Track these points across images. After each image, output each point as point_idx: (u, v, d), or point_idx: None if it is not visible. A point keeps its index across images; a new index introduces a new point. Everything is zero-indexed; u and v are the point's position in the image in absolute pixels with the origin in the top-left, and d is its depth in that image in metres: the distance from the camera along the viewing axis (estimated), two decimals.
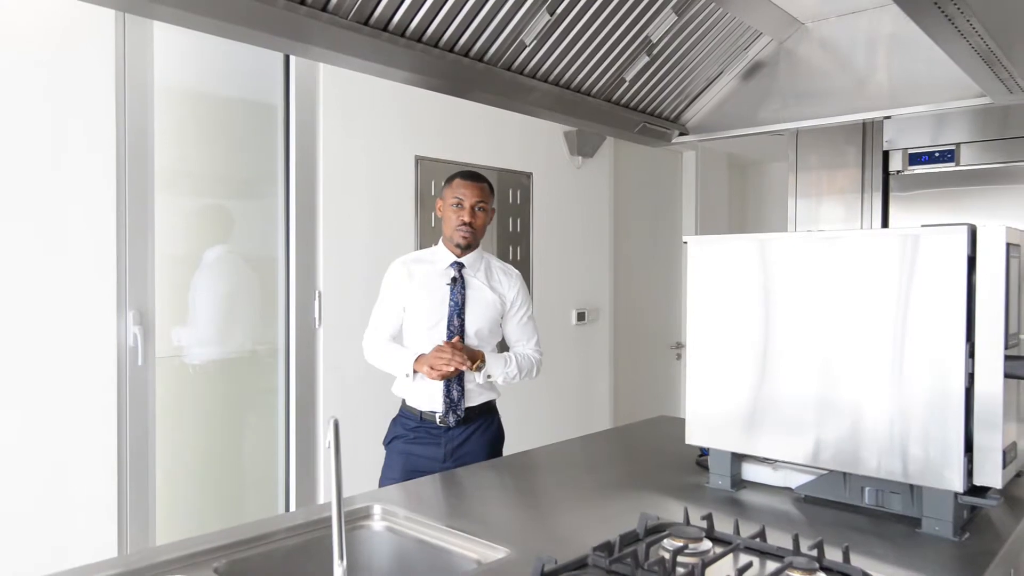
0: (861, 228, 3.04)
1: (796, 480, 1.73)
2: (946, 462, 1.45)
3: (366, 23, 1.41)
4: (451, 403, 2.29)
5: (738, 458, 1.81)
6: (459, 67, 1.62)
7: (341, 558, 1.19)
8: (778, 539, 1.37)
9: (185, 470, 2.71)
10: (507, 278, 2.46)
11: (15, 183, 2.23)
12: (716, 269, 1.79)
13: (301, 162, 2.95)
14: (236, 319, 2.87)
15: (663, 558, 1.24)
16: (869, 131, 3.06)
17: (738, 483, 1.80)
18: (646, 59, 1.93)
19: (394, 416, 2.42)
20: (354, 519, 1.62)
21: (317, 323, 2.98)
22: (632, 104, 2.10)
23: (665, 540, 1.34)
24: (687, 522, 1.42)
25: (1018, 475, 1.84)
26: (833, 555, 1.28)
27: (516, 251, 3.85)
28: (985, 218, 2.73)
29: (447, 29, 1.53)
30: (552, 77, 1.83)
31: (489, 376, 2.33)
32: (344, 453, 1.25)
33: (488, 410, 2.41)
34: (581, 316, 4.23)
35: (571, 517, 1.62)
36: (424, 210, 3.34)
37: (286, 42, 1.39)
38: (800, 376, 1.64)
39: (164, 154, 2.59)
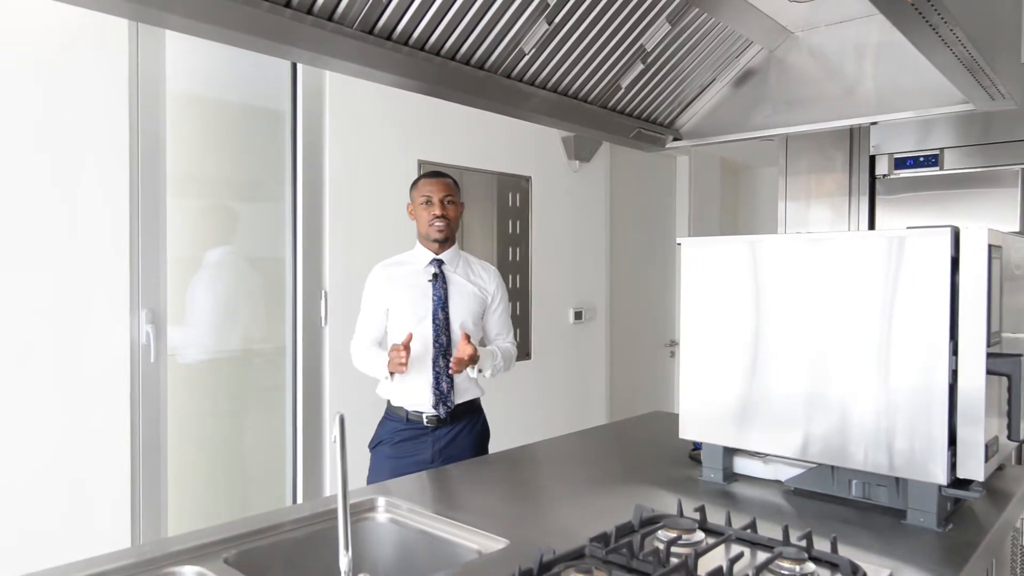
0: (848, 230, 3.04)
1: (786, 473, 1.74)
2: (930, 456, 1.45)
3: (371, 32, 1.41)
4: (441, 395, 2.27)
5: (730, 452, 1.81)
6: (460, 74, 1.62)
7: (347, 548, 1.19)
8: (768, 530, 1.37)
9: (195, 464, 2.71)
10: (486, 272, 2.46)
11: (32, 187, 2.23)
12: (709, 270, 1.79)
13: (308, 166, 2.95)
14: (244, 318, 2.87)
15: (657, 549, 1.24)
16: (856, 136, 3.06)
17: (730, 476, 1.81)
18: (641, 67, 1.93)
19: (380, 418, 2.39)
20: (359, 511, 1.62)
21: (323, 322, 2.98)
22: (627, 110, 2.10)
23: (659, 531, 1.35)
24: (680, 514, 1.42)
25: (1000, 468, 1.84)
26: (821, 545, 1.28)
27: (515, 252, 3.85)
28: (968, 220, 2.73)
29: (449, 37, 1.53)
30: (550, 84, 1.83)
31: (481, 371, 2.30)
32: (349, 448, 1.25)
33: (474, 409, 2.40)
34: (578, 315, 4.24)
35: (568, 509, 1.62)
36: None
37: (293, 50, 1.39)
38: (790, 373, 1.65)
39: (176, 158, 2.59)
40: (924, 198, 2.93)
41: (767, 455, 1.76)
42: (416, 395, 2.29)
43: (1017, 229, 2.72)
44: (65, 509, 2.30)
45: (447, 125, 3.42)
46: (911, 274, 1.47)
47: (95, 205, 2.36)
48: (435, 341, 2.29)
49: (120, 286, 2.43)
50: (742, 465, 1.82)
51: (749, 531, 1.35)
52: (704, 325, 1.80)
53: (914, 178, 2.94)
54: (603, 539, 1.29)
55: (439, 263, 2.36)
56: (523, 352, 3.90)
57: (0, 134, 2.17)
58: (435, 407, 2.27)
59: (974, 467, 1.44)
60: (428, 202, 2.33)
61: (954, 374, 1.44)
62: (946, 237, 1.43)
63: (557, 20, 1.62)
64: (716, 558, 1.26)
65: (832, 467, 1.62)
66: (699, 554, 1.23)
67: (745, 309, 1.72)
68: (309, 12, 1.30)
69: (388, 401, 2.36)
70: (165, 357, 2.55)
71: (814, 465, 1.66)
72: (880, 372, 1.51)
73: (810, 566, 1.20)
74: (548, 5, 1.56)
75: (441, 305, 2.31)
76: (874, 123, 2.00)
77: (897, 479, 1.53)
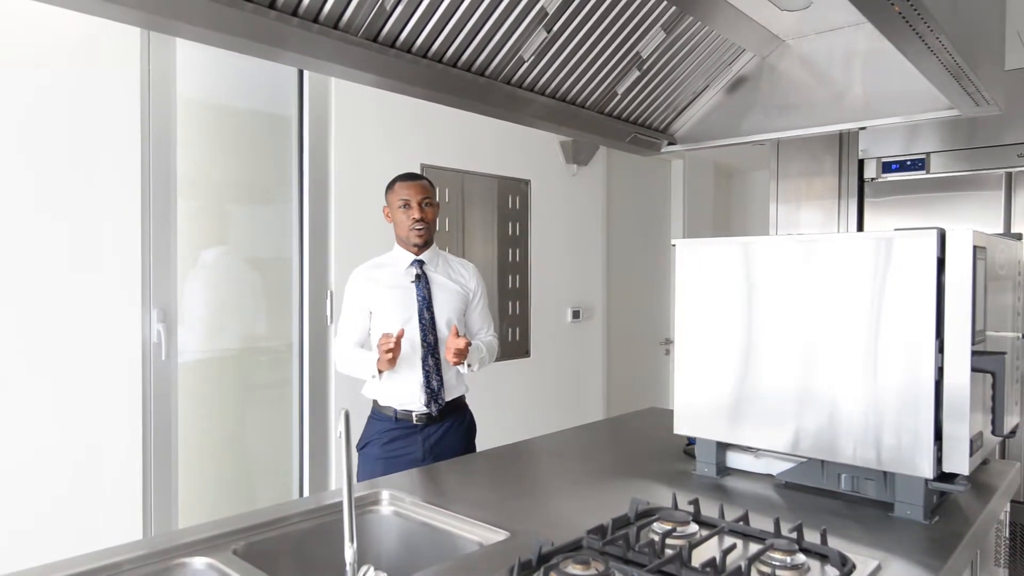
0: (838, 232, 3.04)
1: (777, 467, 1.74)
2: (917, 450, 1.45)
3: (375, 40, 1.41)
4: (432, 393, 2.25)
5: (723, 447, 1.81)
6: (462, 81, 1.62)
7: (352, 540, 1.19)
8: (760, 523, 1.37)
9: (205, 459, 2.71)
10: (465, 270, 2.44)
11: (48, 189, 2.23)
12: (702, 270, 1.79)
13: (314, 169, 2.95)
14: (251, 317, 2.87)
15: (652, 540, 1.24)
16: (845, 141, 3.06)
17: (723, 470, 1.81)
18: (637, 73, 1.93)
19: (367, 418, 2.33)
20: (364, 504, 1.62)
21: (329, 320, 2.98)
22: (624, 116, 2.09)
23: (655, 524, 1.35)
24: (675, 507, 1.42)
25: (984, 463, 1.84)
26: (812, 537, 1.28)
27: (515, 253, 3.85)
28: (953, 222, 2.73)
29: (451, 45, 1.53)
30: (549, 90, 1.83)
31: (469, 366, 2.28)
32: (354, 443, 1.25)
33: (461, 405, 2.38)
34: (576, 314, 4.23)
35: (566, 502, 1.62)
36: None
37: (300, 58, 1.39)
38: (781, 370, 1.65)
39: (186, 162, 2.59)
40: (911, 201, 2.93)
41: (759, 450, 1.76)
42: (405, 394, 2.25)
43: (1001, 231, 2.72)
44: (80, 501, 2.30)
45: (449, 130, 3.42)
46: (898, 274, 1.47)
47: (108, 207, 2.36)
48: (423, 340, 2.27)
49: (132, 286, 2.43)
50: (735, 459, 1.82)
51: (741, 523, 1.35)
52: (698, 324, 1.80)
53: (901, 181, 2.95)
54: (600, 531, 1.29)
55: (420, 263, 2.33)
56: (522, 350, 3.90)
57: (18, 138, 2.17)
58: (427, 405, 2.25)
59: (959, 461, 1.44)
60: (406, 205, 2.29)
61: (940, 371, 1.44)
62: (932, 238, 1.43)
63: (555, 28, 1.62)
64: (709, 549, 1.26)
65: (822, 461, 1.62)
66: (693, 546, 1.23)
67: (738, 308, 1.72)
68: (315, 21, 1.30)
69: (375, 401, 2.32)
70: (176, 355, 2.55)
71: (804, 459, 1.66)
72: (868, 369, 1.51)
73: (800, 557, 1.20)
74: (547, 14, 1.56)
75: (426, 305, 2.29)
76: (862, 128, 2.00)
77: (885, 473, 1.53)
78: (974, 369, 1.43)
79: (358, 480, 2.23)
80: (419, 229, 2.29)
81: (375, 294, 2.30)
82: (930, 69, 1.51)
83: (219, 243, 2.76)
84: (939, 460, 1.45)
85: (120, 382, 2.40)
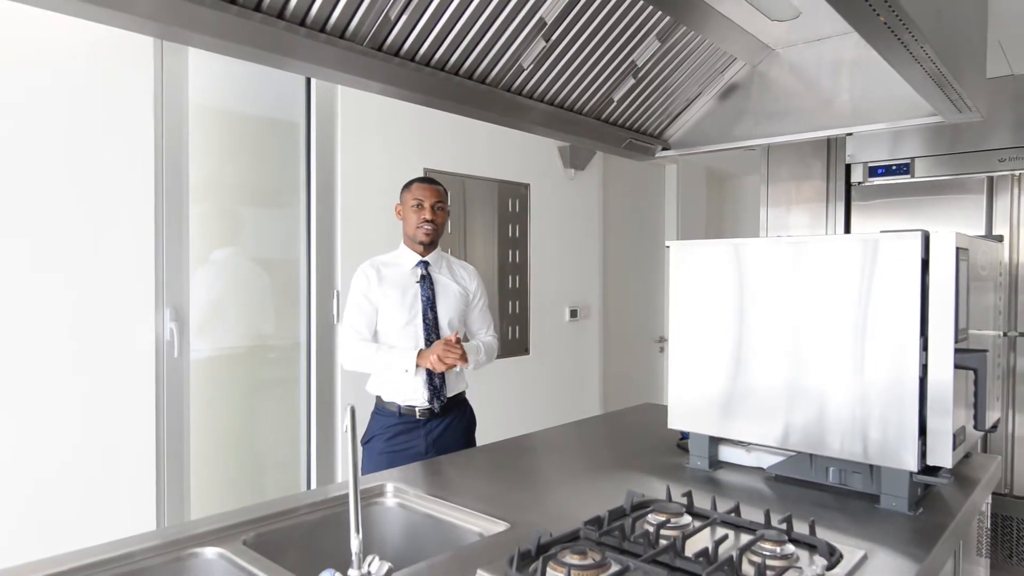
0: (826, 234, 3.04)
1: (768, 461, 1.74)
2: (902, 444, 1.45)
3: (380, 49, 1.42)
4: (435, 390, 2.26)
5: (715, 441, 1.81)
6: (464, 89, 1.62)
7: (357, 531, 1.20)
8: (751, 514, 1.37)
9: (216, 453, 2.71)
10: (466, 272, 2.45)
11: (64, 193, 2.23)
12: (695, 271, 1.79)
13: (321, 174, 2.95)
14: (260, 316, 2.87)
15: (647, 531, 1.24)
16: (833, 146, 3.07)
17: (715, 464, 1.81)
18: (632, 81, 1.93)
19: (371, 412, 2.33)
20: (369, 496, 1.62)
21: (335, 319, 2.98)
22: (620, 122, 2.10)
23: (649, 515, 1.35)
24: (669, 499, 1.43)
25: (967, 456, 1.84)
26: (801, 528, 1.28)
27: (515, 254, 3.85)
28: (937, 225, 2.73)
29: (453, 54, 1.53)
30: (547, 97, 1.83)
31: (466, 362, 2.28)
32: (359, 438, 1.25)
33: (462, 400, 2.39)
34: (574, 313, 4.24)
35: (564, 495, 1.63)
36: None
37: (308, 66, 1.39)
38: (771, 367, 1.65)
39: (197, 166, 2.59)
40: (896, 204, 2.94)
41: (750, 444, 1.76)
42: (408, 390, 2.26)
43: (983, 233, 2.72)
44: (95, 494, 2.30)
45: (451, 135, 3.42)
46: (884, 275, 1.48)
47: (123, 210, 2.37)
48: (426, 339, 2.28)
49: (146, 286, 2.43)
50: (726, 453, 1.82)
51: (733, 515, 1.36)
52: (691, 322, 1.80)
53: (887, 185, 2.95)
54: (597, 522, 1.29)
55: (425, 264, 2.35)
56: (522, 348, 3.90)
57: (36, 144, 2.17)
58: (429, 401, 2.26)
59: (943, 455, 1.44)
60: (419, 205, 2.31)
61: (924, 368, 1.44)
62: (917, 240, 1.44)
63: (554, 38, 1.62)
64: (702, 540, 1.27)
65: (811, 455, 1.63)
66: (686, 536, 1.23)
67: (729, 307, 1.72)
68: (322, 30, 1.30)
69: (379, 397, 2.32)
70: (187, 352, 2.55)
71: (794, 453, 1.66)
72: (855, 366, 1.52)
73: (790, 547, 1.20)
74: (545, 24, 1.56)
75: (430, 305, 2.30)
76: (849, 134, 2.00)
77: (871, 466, 1.54)
78: (957, 366, 1.43)
79: (363, 473, 2.24)
80: (427, 229, 2.31)
81: (382, 290, 2.31)
82: (915, 77, 1.52)
83: (229, 244, 2.76)
84: (923, 454, 1.45)
85: (134, 379, 2.41)
